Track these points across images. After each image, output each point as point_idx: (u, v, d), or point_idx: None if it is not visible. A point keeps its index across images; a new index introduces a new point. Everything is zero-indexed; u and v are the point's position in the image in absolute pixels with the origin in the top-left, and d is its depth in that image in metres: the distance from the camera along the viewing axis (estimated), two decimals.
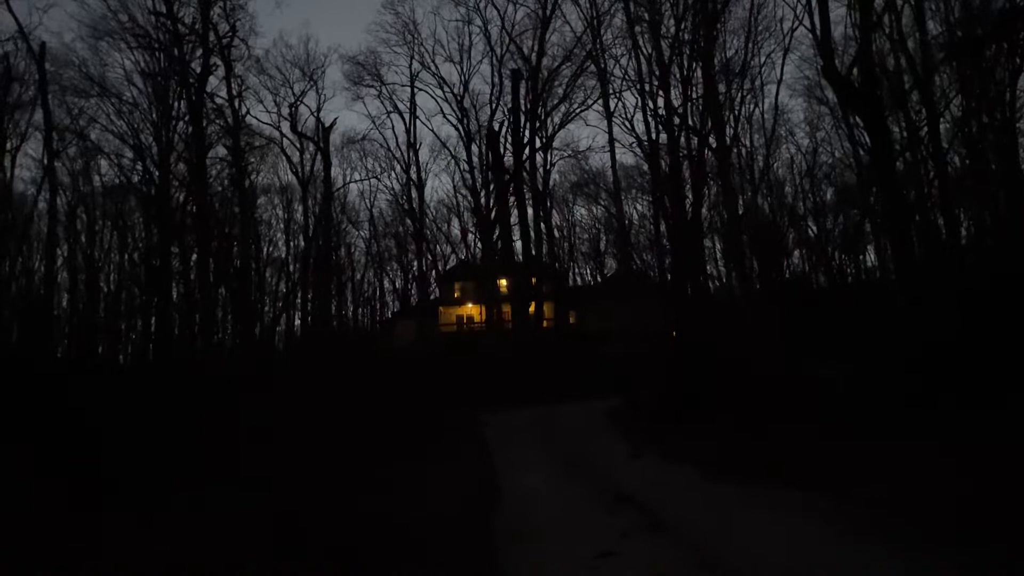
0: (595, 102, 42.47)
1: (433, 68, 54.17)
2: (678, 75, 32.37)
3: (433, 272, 56.60)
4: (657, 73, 32.78)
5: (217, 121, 36.44)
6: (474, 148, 47.29)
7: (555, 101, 44.02)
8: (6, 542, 8.94)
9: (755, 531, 7.55)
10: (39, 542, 9.40)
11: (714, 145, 31.80)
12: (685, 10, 31.51)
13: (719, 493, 9.69)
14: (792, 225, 45.45)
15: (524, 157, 43.19)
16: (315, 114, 48.63)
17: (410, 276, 62.01)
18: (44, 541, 9.43)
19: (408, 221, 53.32)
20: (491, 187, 46.03)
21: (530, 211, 44.64)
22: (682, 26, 31.96)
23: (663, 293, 35.54)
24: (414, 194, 50.37)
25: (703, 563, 6.62)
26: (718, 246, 45.53)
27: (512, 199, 43.96)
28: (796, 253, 46.80)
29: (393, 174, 63.76)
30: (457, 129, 48.62)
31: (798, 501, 8.59)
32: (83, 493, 12.15)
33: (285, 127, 47.59)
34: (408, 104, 49.30)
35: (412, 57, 47.92)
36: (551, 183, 50.80)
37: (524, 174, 43.61)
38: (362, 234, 61.50)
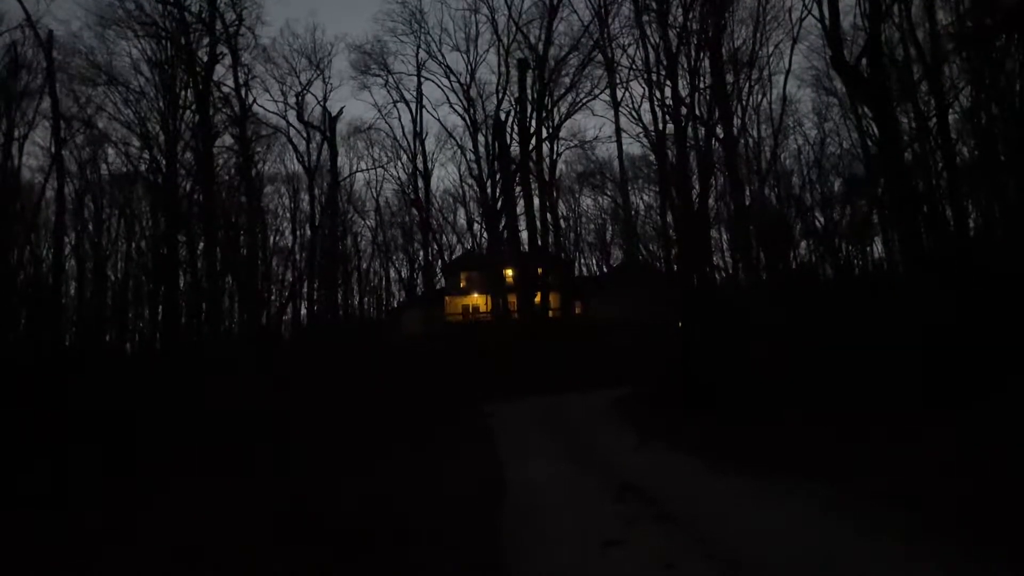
0: (602, 92, 42.52)
1: (440, 57, 54.27)
2: (686, 65, 32.22)
3: (439, 262, 56.72)
4: (664, 63, 32.59)
5: (224, 110, 36.58)
6: (480, 138, 47.38)
7: (562, 91, 44.05)
8: None
9: (760, 521, 7.59)
10: (46, 525, 9.51)
11: (721, 135, 31.74)
12: None
13: (725, 483, 9.73)
14: (799, 216, 45.16)
15: (530, 147, 43.19)
16: (321, 103, 48.95)
17: (416, 266, 62.14)
18: (51, 525, 9.53)
19: (414, 211, 53.46)
20: (497, 177, 46.01)
21: (536, 201, 44.74)
22: (690, 15, 31.79)
23: (669, 284, 35.51)
24: (420, 184, 50.55)
25: (708, 552, 6.65)
26: (724, 237, 45.36)
27: (518, 189, 44.00)
28: (803, 244, 46.56)
29: (399, 163, 63.56)
30: (463, 119, 48.69)
31: (803, 491, 8.63)
32: (90, 480, 12.28)
33: (292, 116, 47.69)
34: (414, 93, 49.34)
35: (419, 46, 48.03)
36: (557, 173, 50.93)
37: (530, 164, 43.60)
38: (368, 224, 61.67)
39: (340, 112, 56.47)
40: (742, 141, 35.23)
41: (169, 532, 8.87)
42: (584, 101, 44.59)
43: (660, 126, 33.65)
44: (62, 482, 11.84)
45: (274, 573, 7.08)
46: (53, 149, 33.89)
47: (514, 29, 43.57)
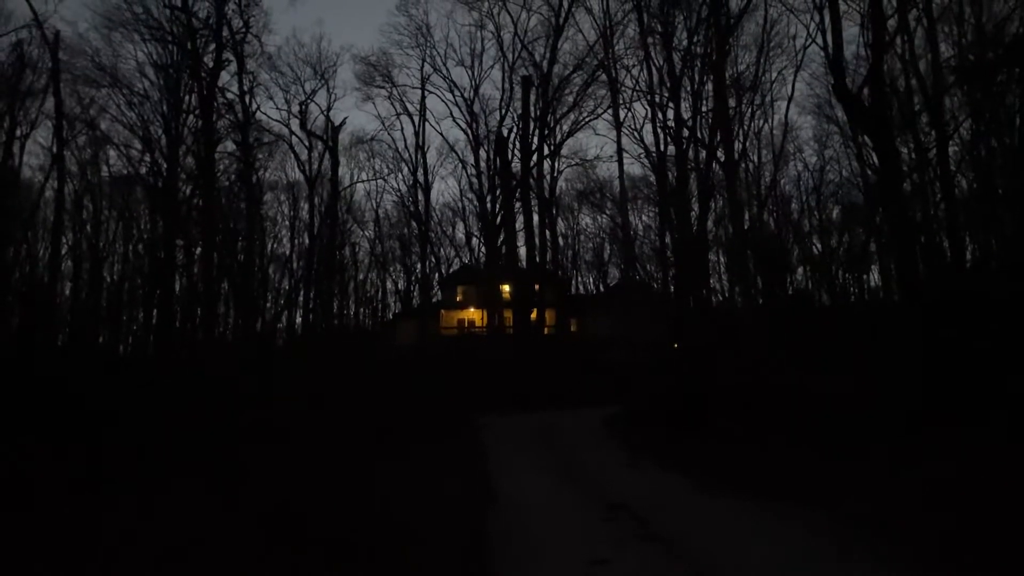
0: (605, 111, 42.58)
1: (444, 71, 54.69)
2: (689, 88, 32.54)
3: (436, 275, 56.65)
4: (668, 85, 32.92)
5: (227, 116, 36.62)
6: (482, 153, 47.50)
7: (565, 109, 44.14)
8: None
9: (748, 543, 7.55)
10: (34, 527, 9.38)
11: (722, 159, 31.87)
12: (698, 23, 31.70)
13: (714, 504, 9.67)
14: (797, 242, 45.47)
15: (532, 163, 43.24)
16: (325, 113, 48.88)
17: (413, 278, 62.12)
18: (40, 528, 9.40)
19: (413, 223, 53.46)
20: (497, 192, 46.06)
21: (535, 218, 44.73)
22: (694, 39, 32.14)
23: (665, 304, 35.53)
24: (420, 196, 50.54)
25: (696, 573, 6.60)
26: (722, 260, 45.55)
27: (518, 205, 44.04)
28: (800, 270, 46.79)
29: (400, 175, 63.83)
30: (466, 133, 48.91)
31: (793, 514, 8.59)
32: (81, 481, 12.13)
33: (294, 124, 47.72)
34: (418, 106, 49.36)
35: (424, 60, 48.08)
36: (557, 191, 50.94)
37: (531, 180, 43.65)
38: (367, 234, 61.65)
39: (343, 122, 56.78)
40: (742, 165, 35.48)
41: (161, 530, 8.73)
42: (587, 120, 44.75)
43: (661, 147, 33.99)
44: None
45: None
46: (54, 149, 33.91)
47: (519, 46, 43.79)
